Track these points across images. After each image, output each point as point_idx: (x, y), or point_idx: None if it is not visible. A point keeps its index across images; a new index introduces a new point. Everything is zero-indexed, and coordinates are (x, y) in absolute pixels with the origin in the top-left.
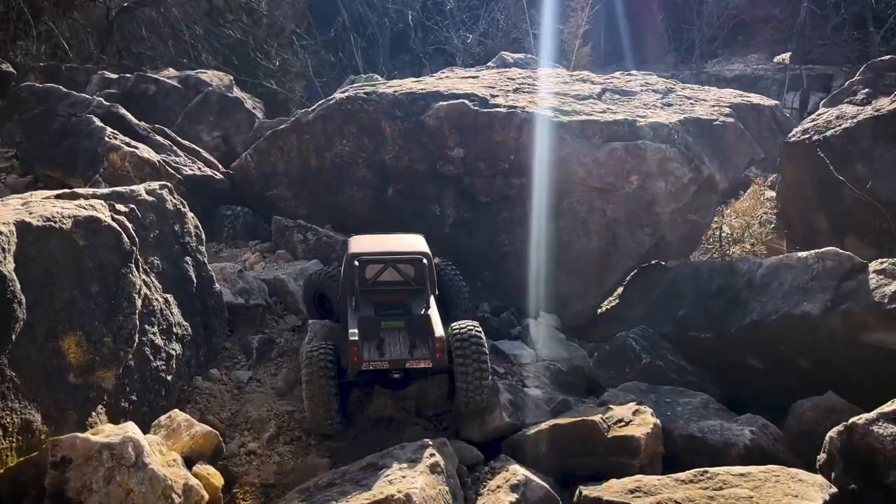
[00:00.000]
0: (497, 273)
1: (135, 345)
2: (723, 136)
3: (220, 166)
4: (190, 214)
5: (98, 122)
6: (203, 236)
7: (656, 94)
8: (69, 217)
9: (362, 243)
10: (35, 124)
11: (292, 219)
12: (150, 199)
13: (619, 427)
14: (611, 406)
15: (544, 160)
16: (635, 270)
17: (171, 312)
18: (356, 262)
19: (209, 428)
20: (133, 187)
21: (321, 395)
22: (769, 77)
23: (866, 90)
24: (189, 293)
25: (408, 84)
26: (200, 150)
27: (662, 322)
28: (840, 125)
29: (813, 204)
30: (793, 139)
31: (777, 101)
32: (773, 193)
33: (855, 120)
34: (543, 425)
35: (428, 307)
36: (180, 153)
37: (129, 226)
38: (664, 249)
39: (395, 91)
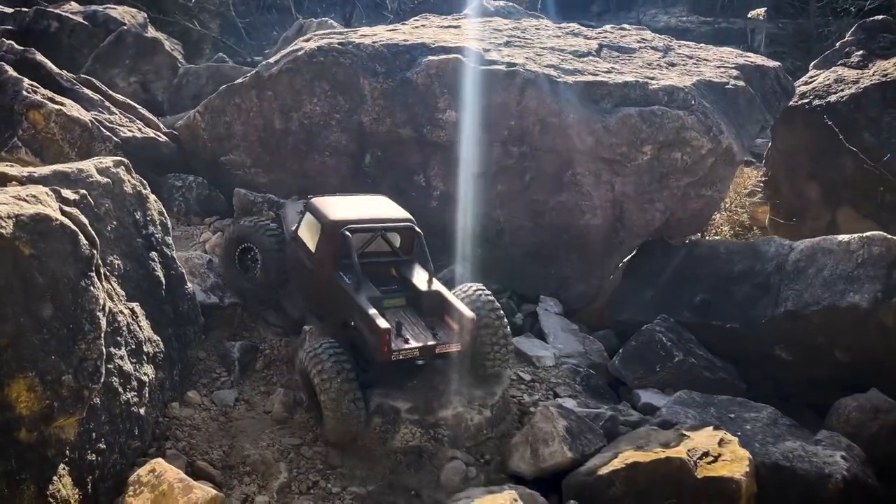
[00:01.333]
0: (490, 252)
1: (101, 378)
2: (735, 102)
3: (161, 126)
4: (152, 197)
5: (12, 72)
6: (169, 224)
7: (656, 51)
8: (8, 217)
9: (336, 208)
10: None
11: (251, 189)
12: (104, 180)
13: (708, 464)
14: (685, 433)
15: (548, 126)
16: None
17: (139, 326)
18: (345, 232)
19: (212, 492)
20: (80, 165)
21: (344, 398)
22: (695, 30)
23: (860, 52)
24: (157, 298)
25: (384, 34)
26: (136, 105)
27: (677, 308)
28: (843, 90)
29: (804, 172)
30: (790, 104)
31: (780, 63)
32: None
33: (860, 86)
34: (616, 462)
35: (431, 281)
36: (114, 110)
37: (85, 220)
38: (673, 226)
39: (374, 42)
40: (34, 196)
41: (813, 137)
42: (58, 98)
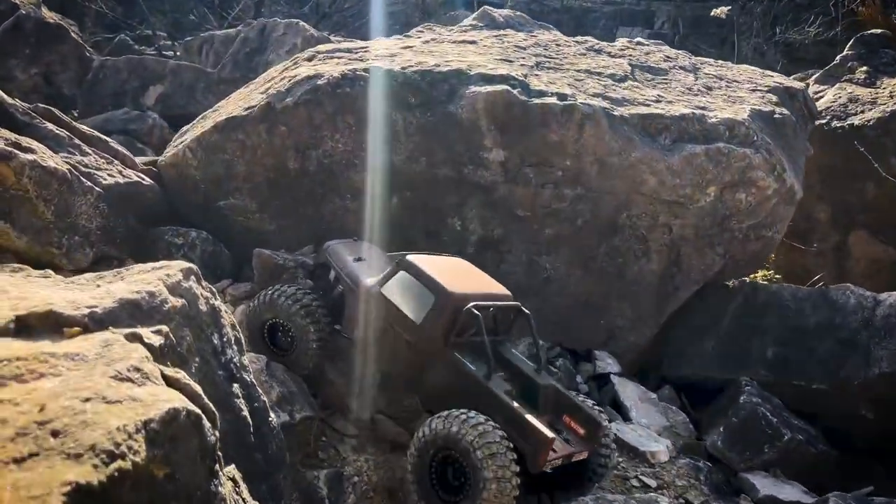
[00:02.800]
0: (535, 303)
1: None
2: (784, 132)
3: (136, 162)
4: (223, 307)
5: None
6: (241, 336)
7: (686, 71)
8: (136, 432)
9: (449, 276)
10: None
11: (259, 239)
12: (179, 302)
13: None
14: None
15: (607, 166)
16: None
17: (242, 500)
18: (474, 311)
19: None
20: (148, 282)
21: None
22: (598, 10)
23: (864, 68)
24: (248, 446)
25: (399, 51)
26: (104, 137)
27: (746, 362)
28: (865, 112)
29: (814, 193)
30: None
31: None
32: None
33: (886, 109)
34: None
35: (542, 372)
36: (86, 148)
37: (196, 387)
38: (730, 270)
39: (404, 69)
40: (137, 369)
41: (827, 159)
42: (24, 142)
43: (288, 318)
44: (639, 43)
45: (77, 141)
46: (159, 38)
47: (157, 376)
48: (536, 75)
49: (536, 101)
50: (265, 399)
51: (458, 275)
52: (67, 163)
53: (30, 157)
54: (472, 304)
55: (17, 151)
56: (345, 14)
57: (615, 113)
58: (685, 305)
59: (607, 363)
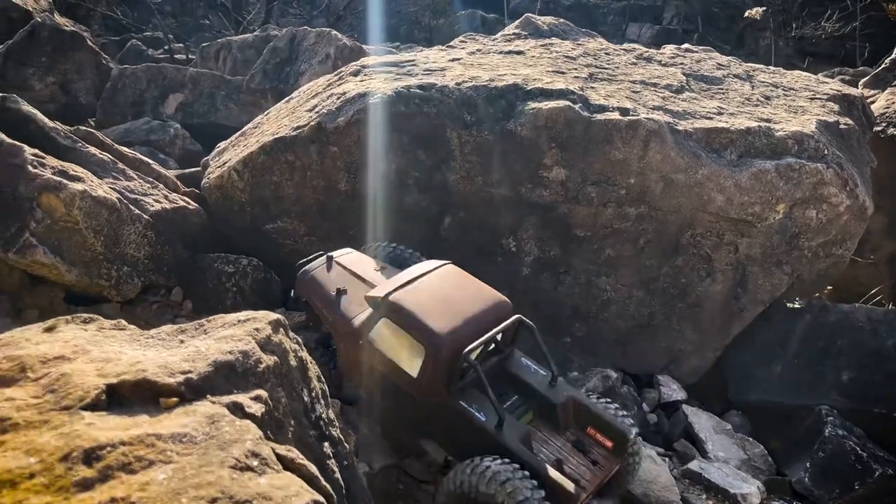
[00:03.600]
0: (593, 325)
1: None
2: (850, 144)
3: (178, 183)
4: (308, 357)
5: (3, 137)
6: (327, 388)
7: (740, 80)
8: None
9: (434, 313)
10: None
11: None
12: (271, 359)
13: None
14: None
15: (673, 184)
16: None
17: None
18: (470, 358)
19: None
20: (238, 339)
21: None
22: (605, 6)
23: None
24: None
25: (446, 63)
26: (146, 159)
27: (818, 388)
28: None
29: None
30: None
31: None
32: None
33: None
34: None
35: (555, 385)
36: (130, 172)
37: (312, 467)
38: (796, 289)
39: (459, 84)
40: (254, 454)
41: (882, 167)
42: (71, 170)
43: None
44: (688, 50)
45: (121, 165)
46: (168, 42)
47: (273, 460)
48: (593, 88)
49: (599, 116)
50: (352, 453)
51: (446, 305)
52: (115, 190)
53: (79, 186)
54: (468, 348)
55: (66, 181)
56: (358, 16)
57: (679, 127)
58: (750, 327)
59: (672, 389)
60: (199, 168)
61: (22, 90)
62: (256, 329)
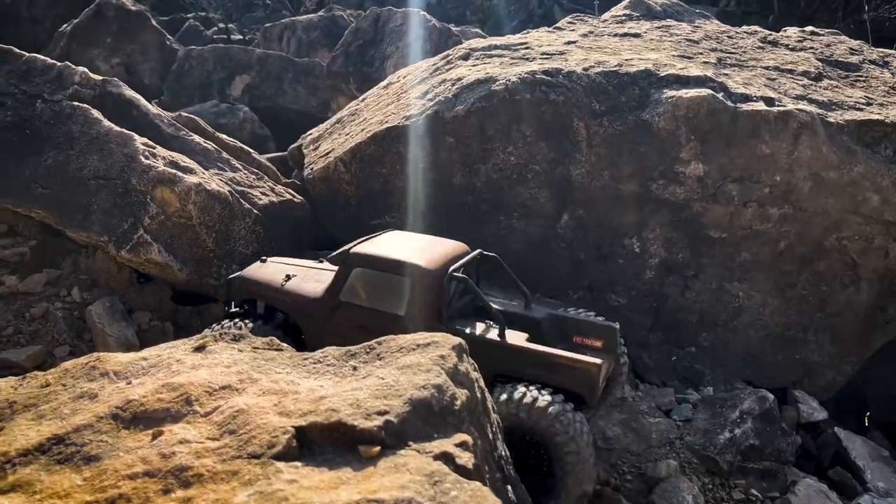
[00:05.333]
0: (722, 335)
1: None
2: None
3: (279, 174)
4: (484, 386)
5: (112, 126)
6: (499, 420)
7: (877, 66)
8: None
9: (408, 252)
10: None
11: None
12: (463, 393)
13: None
14: None
15: (823, 182)
16: None
17: None
18: (458, 276)
19: None
20: (430, 375)
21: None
22: None
23: None
24: None
25: (555, 43)
26: (247, 148)
27: None
28: None
29: None
30: None
31: None
32: None
33: None
34: None
35: (531, 305)
36: (235, 163)
37: None
38: None
39: (586, 70)
40: None
41: None
42: (181, 160)
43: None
44: (813, 33)
45: (225, 155)
46: (224, 21)
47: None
48: (727, 75)
49: (744, 106)
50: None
51: (410, 248)
52: (232, 186)
53: (194, 179)
54: (451, 268)
55: (180, 174)
56: None
57: (830, 120)
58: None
59: (813, 408)
60: (281, 153)
61: (89, 70)
62: (442, 357)
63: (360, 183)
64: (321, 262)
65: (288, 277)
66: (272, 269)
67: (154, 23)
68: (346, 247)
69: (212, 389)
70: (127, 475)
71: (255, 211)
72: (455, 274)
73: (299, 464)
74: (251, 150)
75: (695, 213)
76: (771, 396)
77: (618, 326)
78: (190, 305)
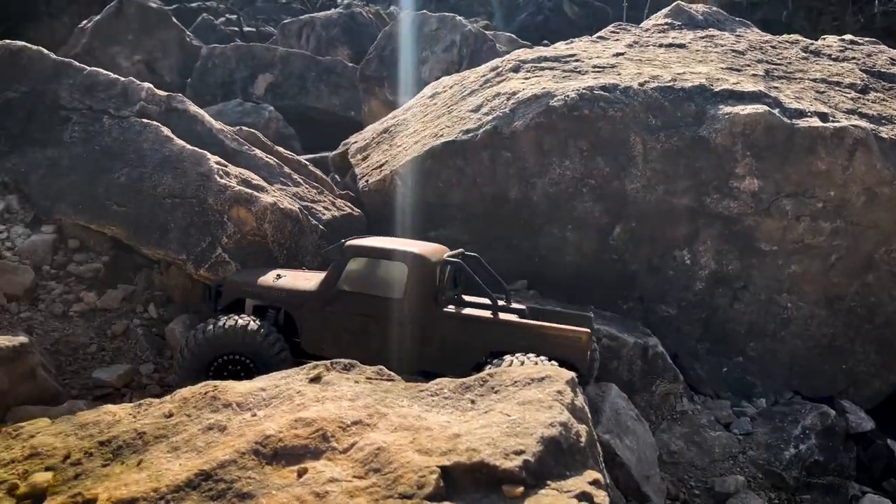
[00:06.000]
0: (769, 345)
1: None
2: None
3: (334, 187)
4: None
5: (185, 145)
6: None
7: None
8: None
9: (400, 245)
10: (23, 127)
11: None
12: (583, 429)
13: None
14: None
15: (876, 197)
16: None
17: None
18: (451, 261)
19: None
20: (553, 412)
21: None
22: None
23: None
24: None
25: (619, 63)
26: (303, 160)
27: None
28: None
29: None
30: None
31: None
32: None
33: None
34: None
35: (510, 301)
36: (293, 174)
37: None
38: None
39: (642, 85)
40: None
41: None
42: (253, 179)
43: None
44: (853, 42)
45: (286, 169)
46: (224, 11)
47: None
48: (777, 88)
49: (800, 123)
50: None
51: (407, 242)
52: (300, 202)
53: (269, 199)
54: (445, 255)
55: (255, 193)
56: None
57: (882, 135)
58: None
59: (861, 417)
60: (311, 155)
61: (109, 69)
62: (559, 392)
63: (416, 196)
64: (303, 269)
65: (279, 276)
66: (260, 272)
67: (174, 20)
68: (340, 241)
69: (344, 425)
70: None
71: (320, 227)
72: (450, 259)
73: None
74: (306, 162)
75: (747, 227)
76: (832, 412)
77: (592, 315)
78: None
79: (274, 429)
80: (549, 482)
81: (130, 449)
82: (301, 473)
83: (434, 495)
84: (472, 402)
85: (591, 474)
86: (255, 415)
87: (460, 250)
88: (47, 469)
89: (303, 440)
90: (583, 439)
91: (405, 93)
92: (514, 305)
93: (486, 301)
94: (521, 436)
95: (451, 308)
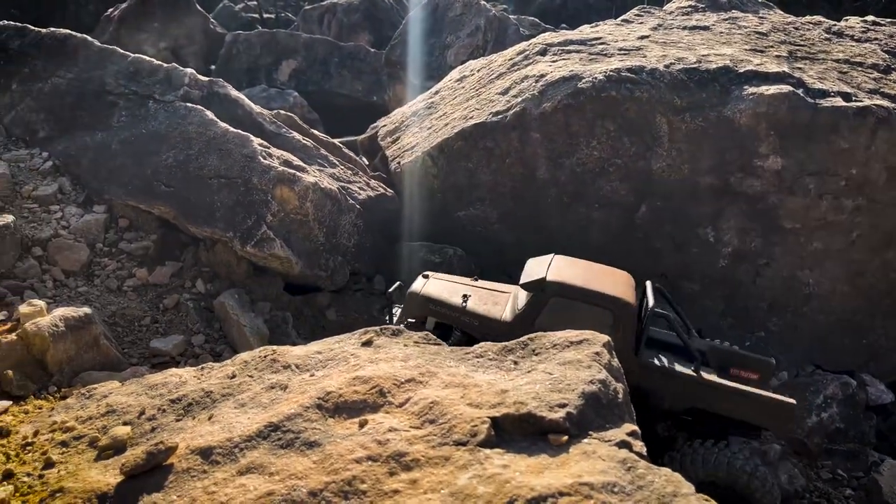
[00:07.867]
0: (791, 320)
1: None
2: None
3: (366, 168)
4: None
5: (230, 128)
6: None
7: None
8: None
9: (607, 285)
10: (72, 112)
11: (504, 256)
12: (620, 387)
13: None
14: None
15: None
16: None
17: None
18: (659, 312)
19: None
20: (592, 371)
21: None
22: None
23: None
24: None
25: (644, 46)
26: (335, 140)
27: None
28: None
29: None
30: None
31: None
32: None
33: None
34: None
35: (694, 338)
36: (329, 156)
37: None
38: None
39: (668, 66)
40: None
41: None
42: (294, 160)
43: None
44: (875, 23)
45: (323, 151)
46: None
47: None
48: (800, 69)
49: (824, 102)
50: None
51: (594, 278)
52: (333, 179)
53: (311, 178)
54: (646, 303)
55: (298, 173)
56: None
57: None
58: None
59: (880, 390)
60: (338, 139)
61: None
62: (597, 353)
63: (446, 176)
64: (476, 279)
65: (465, 298)
66: (445, 288)
67: (198, 7)
68: (535, 272)
69: (399, 382)
70: (353, 459)
71: (357, 206)
72: (658, 310)
73: (501, 450)
74: (340, 145)
75: (770, 205)
76: (853, 382)
77: (774, 362)
78: (299, 294)
79: (334, 386)
80: (590, 432)
81: (200, 406)
82: (362, 425)
83: (486, 442)
84: (515, 363)
85: (629, 426)
86: (313, 375)
87: (651, 284)
88: (125, 424)
89: (361, 395)
90: (620, 396)
91: (430, 77)
92: (695, 344)
93: (668, 332)
94: (563, 391)
95: (651, 359)
